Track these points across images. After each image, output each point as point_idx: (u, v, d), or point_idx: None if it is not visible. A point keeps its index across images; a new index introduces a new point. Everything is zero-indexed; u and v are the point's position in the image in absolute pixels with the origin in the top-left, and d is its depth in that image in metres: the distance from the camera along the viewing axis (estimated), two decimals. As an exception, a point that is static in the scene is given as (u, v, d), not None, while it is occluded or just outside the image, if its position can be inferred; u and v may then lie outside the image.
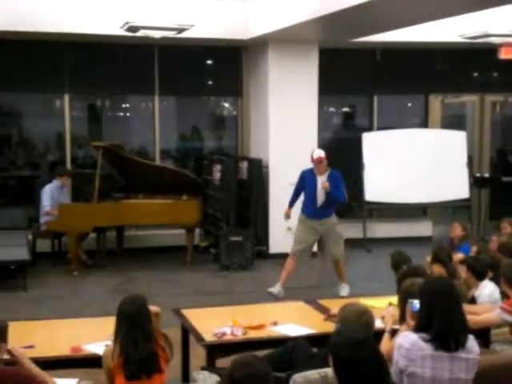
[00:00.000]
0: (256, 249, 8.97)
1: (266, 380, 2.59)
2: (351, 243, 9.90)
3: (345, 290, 7.38)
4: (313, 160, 7.20)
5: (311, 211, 7.23)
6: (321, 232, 7.34)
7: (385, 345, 3.65)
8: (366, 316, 3.51)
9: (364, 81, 10.63)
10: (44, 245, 8.80)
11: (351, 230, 10.09)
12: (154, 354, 3.49)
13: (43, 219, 8.65)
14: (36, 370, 3.40)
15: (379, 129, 10.63)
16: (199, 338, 4.20)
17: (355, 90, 10.83)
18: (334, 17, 7.05)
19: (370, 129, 10.63)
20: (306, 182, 7.30)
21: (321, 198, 7.20)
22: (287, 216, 7.50)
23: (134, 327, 3.49)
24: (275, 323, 4.46)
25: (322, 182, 7.10)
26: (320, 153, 7.20)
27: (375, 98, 10.68)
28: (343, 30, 8.37)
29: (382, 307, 4.56)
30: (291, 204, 7.52)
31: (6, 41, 8.90)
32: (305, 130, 9.23)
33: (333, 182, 7.12)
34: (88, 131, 12.00)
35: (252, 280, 8.15)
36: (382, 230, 10.33)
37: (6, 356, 3.38)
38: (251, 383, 2.56)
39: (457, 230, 7.21)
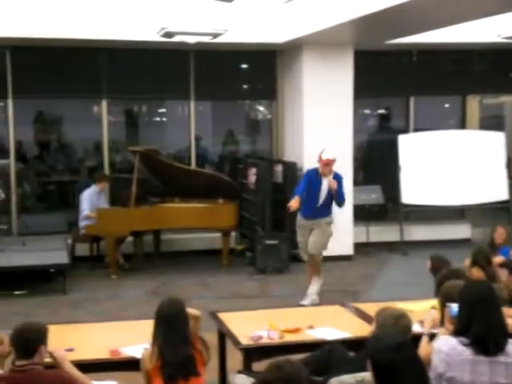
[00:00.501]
0: (292, 252, 8.94)
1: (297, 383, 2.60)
2: (388, 246, 9.85)
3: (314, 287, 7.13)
4: (320, 160, 6.98)
5: (309, 211, 7.08)
6: (312, 227, 7.14)
7: (423, 349, 3.62)
8: (404, 320, 3.48)
9: (400, 82, 10.53)
10: (83, 248, 8.94)
11: (388, 232, 10.05)
12: (192, 357, 3.52)
13: (82, 223, 8.79)
14: (76, 372, 3.44)
15: (416, 130, 10.52)
16: (236, 342, 4.21)
17: (391, 91, 10.75)
18: (369, 19, 7.02)
19: (406, 131, 10.53)
20: (311, 181, 7.06)
21: (322, 198, 7.05)
22: (294, 206, 6.80)
23: (172, 330, 3.52)
24: (311, 327, 4.45)
25: (329, 179, 6.90)
26: (329, 154, 6.98)
27: (411, 100, 10.57)
28: (379, 32, 8.32)
29: (420, 311, 4.51)
30: (296, 194, 6.95)
31: (45, 48, 9.08)
32: (340, 133, 9.19)
33: (337, 182, 7.00)
34: (125, 136, 12.17)
35: (288, 283, 8.13)
36: (419, 232, 10.22)
37: (47, 359, 3.44)
38: None
39: (502, 235, 7.10)
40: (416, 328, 3.82)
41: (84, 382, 3.41)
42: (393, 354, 2.73)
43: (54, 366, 3.46)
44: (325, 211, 7.11)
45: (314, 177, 7.05)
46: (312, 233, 7.13)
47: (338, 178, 7.05)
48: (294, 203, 6.83)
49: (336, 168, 9.17)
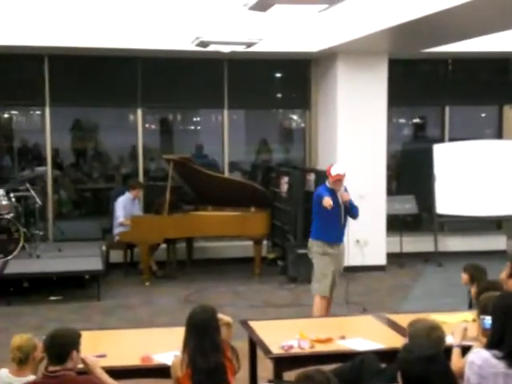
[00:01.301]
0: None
1: None
2: (422, 257, 9.74)
3: None
4: (331, 176, 6.29)
5: (334, 235, 6.41)
6: (335, 256, 6.48)
7: (455, 361, 3.56)
8: (437, 332, 3.43)
9: (435, 91, 10.44)
10: (117, 255, 9.03)
11: (422, 243, 9.94)
12: (222, 365, 3.51)
13: (116, 230, 8.89)
14: (107, 379, 3.46)
15: (451, 140, 10.40)
16: (266, 351, 4.20)
17: (426, 100, 10.65)
18: (405, 27, 6.97)
19: (441, 140, 10.42)
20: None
21: (343, 215, 6.41)
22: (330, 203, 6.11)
23: (203, 337, 3.52)
24: (343, 337, 4.42)
25: (340, 192, 6.28)
26: (340, 169, 6.31)
27: (447, 109, 10.47)
28: (414, 41, 8.26)
29: (454, 323, 4.44)
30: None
31: (81, 57, 9.24)
32: (373, 142, 9.14)
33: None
34: (160, 144, 12.29)
35: (320, 293, 8.08)
36: (454, 243, 10.08)
37: (79, 365, 3.47)
38: None
39: None
40: (449, 340, 3.77)
41: None
42: (425, 366, 2.70)
43: (86, 372, 3.49)
44: (344, 232, 6.55)
45: (330, 195, 6.23)
46: (337, 260, 6.49)
47: (346, 189, 6.46)
48: (329, 200, 6.10)
49: (369, 178, 9.19)
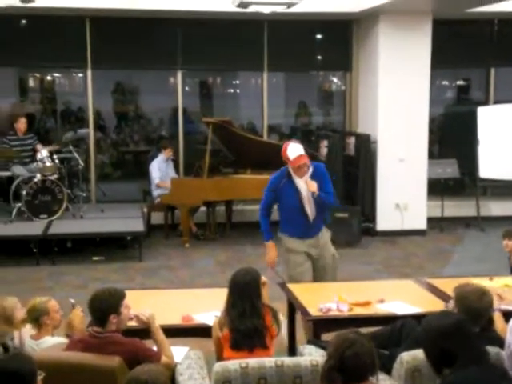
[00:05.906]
0: (363, 226, 8.88)
1: (373, 356, 2.60)
2: (463, 222, 9.62)
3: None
4: (289, 162, 4.81)
5: (301, 230, 5.04)
6: (315, 255, 5.11)
7: (501, 327, 3.53)
8: (488, 297, 3.38)
9: (481, 53, 10.17)
10: (158, 217, 9.14)
11: (464, 207, 9.81)
12: (260, 328, 3.54)
13: (156, 192, 8.99)
14: (161, 335, 3.46)
15: (496, 103, 10.16)
16: (305, 313, 4.24)
17: (471, 62, 10.40)
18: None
19: (486, 103, 10.19)
20: (281, 193, 4.95)
21: (312, 208, 4.96)
22: (272, 260, 5.23)
23: (243, 299, 3.56)
24: (382, 301, 4.41)
25: (306, 181, 4.84)
26: (299, 149, 4.79)
27: (492, 71, 10.20)
28: (458, 0, 8.03)
29: (496, 287, 4.41)
30: (269, 233, 5.21)
31: (123, 19, 9.25)
32: (415, 105, 8.99)
33: (319, 179, 4.90)
34: (200, 107, 12.31)
35: (358, 257, 8.09)
36: (496, 208, 9.93)
37: (131, 323, 3.48)
38: (361, 361, 2.57)
39: None
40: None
41: (160, 353, 3.38)
42: (444, 341, 2.74)
43: (144, 330, 3.47)
44: (320, 223, 5.14)
45: (286, 184, 4.93)
46: (319, 264, 5.11)
47: (319, 172, 4.96)
48: (272, 254, 5.20)
49: (411, 141, 9.05)
